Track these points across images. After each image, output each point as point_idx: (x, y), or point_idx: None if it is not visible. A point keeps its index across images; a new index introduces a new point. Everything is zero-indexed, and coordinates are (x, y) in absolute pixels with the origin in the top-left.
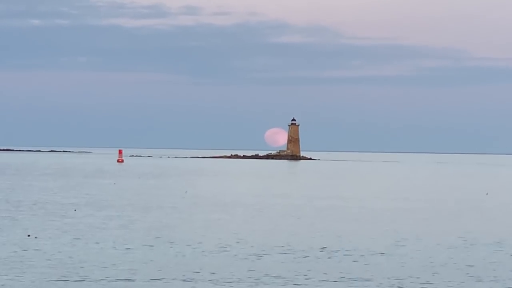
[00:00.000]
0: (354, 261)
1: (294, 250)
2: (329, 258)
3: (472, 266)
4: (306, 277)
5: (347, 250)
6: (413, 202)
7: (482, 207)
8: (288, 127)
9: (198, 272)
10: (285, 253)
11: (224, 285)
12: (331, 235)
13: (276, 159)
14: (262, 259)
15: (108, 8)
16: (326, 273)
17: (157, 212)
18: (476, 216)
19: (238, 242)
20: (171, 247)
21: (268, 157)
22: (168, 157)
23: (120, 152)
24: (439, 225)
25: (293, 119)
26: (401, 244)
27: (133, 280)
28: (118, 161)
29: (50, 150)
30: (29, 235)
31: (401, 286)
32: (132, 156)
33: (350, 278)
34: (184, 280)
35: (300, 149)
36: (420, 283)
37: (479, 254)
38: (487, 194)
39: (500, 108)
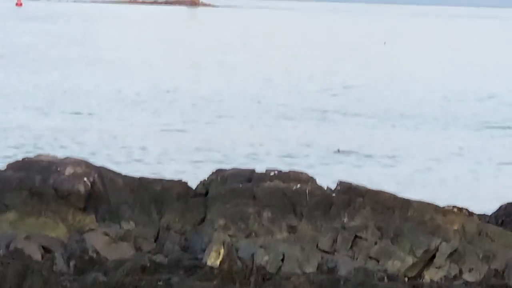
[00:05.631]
0: None
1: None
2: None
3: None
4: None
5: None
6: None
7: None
8: None
9: None
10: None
11: None
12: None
13: (174, 5)
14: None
15: None
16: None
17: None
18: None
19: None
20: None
21: (166, 3)
22: (67, 1)
23: None
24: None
25: None
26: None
27: None
28: (16, 4)
29: None
30: None
31: None
32: None
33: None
34: None
35: None
36: None
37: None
38: (384, 43)
39: None
